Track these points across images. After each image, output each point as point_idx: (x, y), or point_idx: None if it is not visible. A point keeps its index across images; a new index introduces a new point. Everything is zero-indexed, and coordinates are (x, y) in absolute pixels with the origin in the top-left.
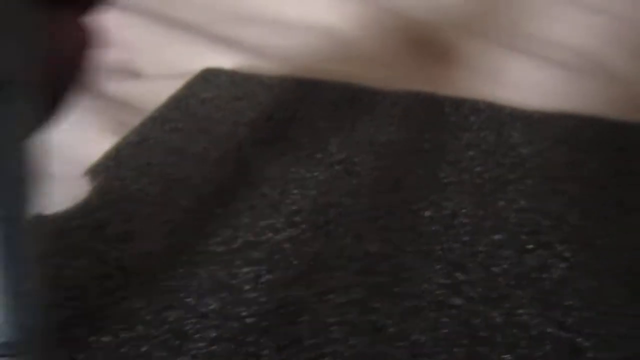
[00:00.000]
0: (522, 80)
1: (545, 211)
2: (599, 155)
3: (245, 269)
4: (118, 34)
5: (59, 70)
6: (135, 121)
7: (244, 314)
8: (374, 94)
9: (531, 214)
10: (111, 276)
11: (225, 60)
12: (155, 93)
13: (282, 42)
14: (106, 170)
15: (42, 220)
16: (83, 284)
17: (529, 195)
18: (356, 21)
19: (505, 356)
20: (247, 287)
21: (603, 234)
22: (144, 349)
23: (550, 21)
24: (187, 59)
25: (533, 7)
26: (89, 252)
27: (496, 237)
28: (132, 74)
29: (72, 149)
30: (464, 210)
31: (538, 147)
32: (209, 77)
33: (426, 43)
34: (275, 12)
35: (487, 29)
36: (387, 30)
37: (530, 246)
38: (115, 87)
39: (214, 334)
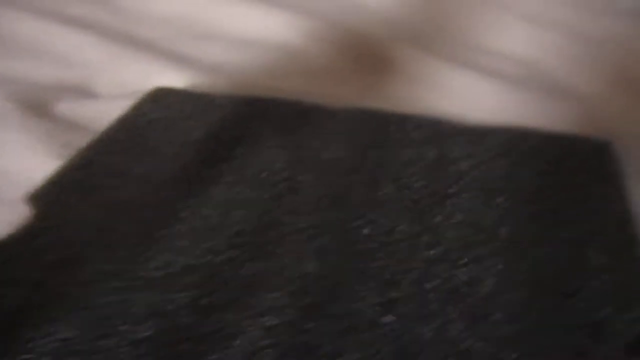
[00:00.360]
0: (468, 94)
1: (480, 225)
2: (534, 167)
3: (183, 294)
4: (71, 51)
5: None
6: (85, 143)
7: (178, 340)
8: (322, 111)
9: (466, 228)
10: (47, 306)
11: (180, 78)
12: (108, 114)
13: (236, 59)
14: (48, 195)
15: None
16: (18, 315)
17: (465, 210)
18: (309, 37)
19: None
20: (183, 312)
21: (533, 246)
22: None
23: (496, 34)
24: (143, 77)
25: (480, 20)
26: (27, 281)
27: (431, 252)
28: (84, 93)
29: (17, 174)
30: (400, 227)
31: (477, 161)
32: (158, 97)
33: (376, 59)
34: (230, 29)
35: (434, 43)
36: (338, 46)
37: (463, 261)
38: (67, 107)
39: None
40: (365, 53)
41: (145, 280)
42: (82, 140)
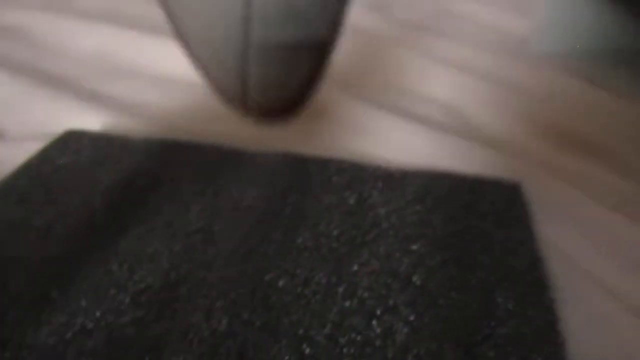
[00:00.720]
0: (393, 137)
1: (395, 272)
2: (448, 212)
3: None
4: None
5: None
6: None
7: None
8: (241, 155)
9: (382, 276)
10: None
11: (96, 118)
12: (13, 157)
13: (156, 99)
14: None
15: None
16: None
17: (382, 257)
18: None
19: None
20: None
21: (445, 293)
22: None
23: (422, 79)
24: (56, 117)
25: (407, 66)
26: None
27: (346, 304)
28: None
29: None
30: (317, 278)
31: (394, 206)
32: (69, 141)
33: None
34: (151, 67)
35: (362, 88)
36: None
37: (378, 311)
38: None
39: None
40: None
41: (36, 348)
42: None
